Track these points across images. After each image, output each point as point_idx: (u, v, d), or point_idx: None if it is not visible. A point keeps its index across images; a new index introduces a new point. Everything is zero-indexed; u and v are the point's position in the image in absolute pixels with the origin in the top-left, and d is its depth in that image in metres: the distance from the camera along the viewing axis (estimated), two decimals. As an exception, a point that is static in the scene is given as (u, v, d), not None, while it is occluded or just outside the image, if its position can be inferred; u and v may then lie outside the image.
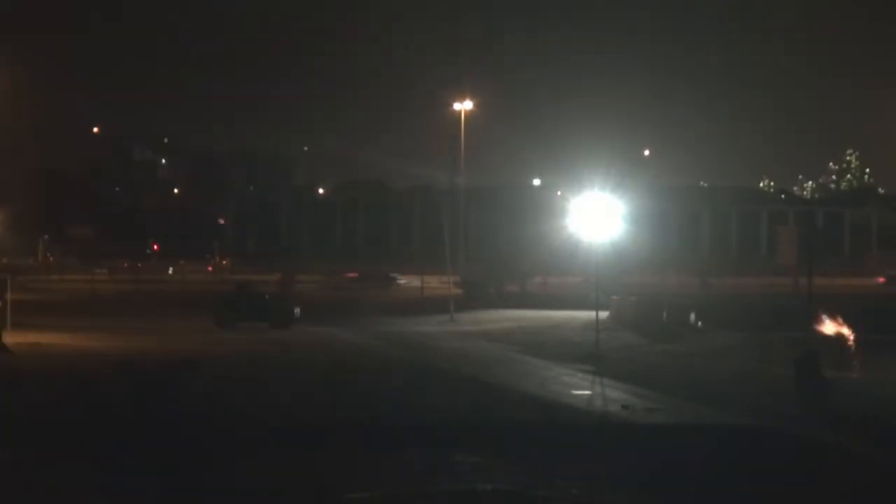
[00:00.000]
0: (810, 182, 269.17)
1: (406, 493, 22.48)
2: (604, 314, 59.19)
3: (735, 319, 62.55)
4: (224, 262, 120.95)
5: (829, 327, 46.18)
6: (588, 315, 55.63)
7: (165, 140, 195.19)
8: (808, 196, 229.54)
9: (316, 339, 55.99)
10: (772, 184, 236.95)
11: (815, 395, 37.46)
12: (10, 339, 48.60)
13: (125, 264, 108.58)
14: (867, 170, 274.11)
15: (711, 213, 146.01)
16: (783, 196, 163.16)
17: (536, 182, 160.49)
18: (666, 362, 48.97)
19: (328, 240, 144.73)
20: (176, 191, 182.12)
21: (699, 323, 62.76)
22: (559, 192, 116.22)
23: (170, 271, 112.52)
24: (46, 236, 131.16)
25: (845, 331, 44.59)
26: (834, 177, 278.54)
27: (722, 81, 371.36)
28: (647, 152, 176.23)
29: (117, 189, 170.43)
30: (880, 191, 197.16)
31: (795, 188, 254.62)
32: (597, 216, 53.09)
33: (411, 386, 39.41)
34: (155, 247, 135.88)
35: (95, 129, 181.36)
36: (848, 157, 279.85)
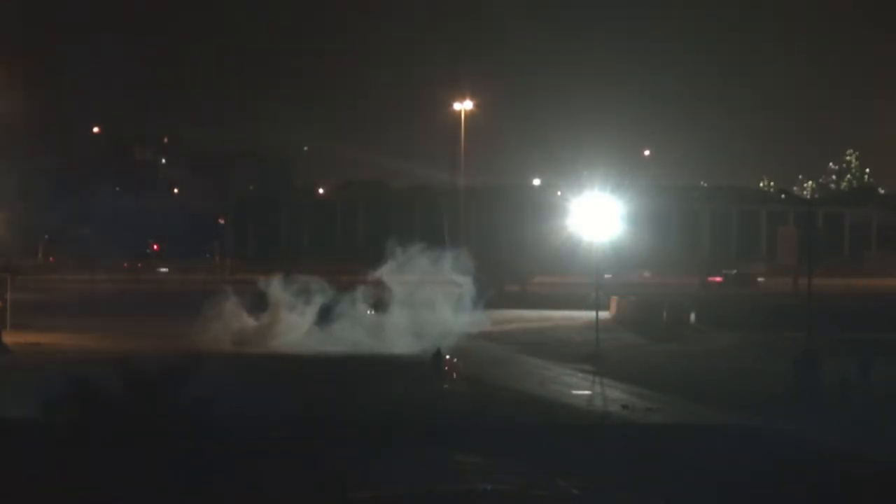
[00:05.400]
0: (810, 182, 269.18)
1: (406, 493, 22.49)
2: (604, 314, 59.19)
3: (734, 319, 62.59)
4: (222, 262, 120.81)
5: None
6: (588, 315, 55.62)
7: (165, 140, 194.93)
8: (808, 196, 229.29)
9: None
10: (772, 184, 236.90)
11: (814, 395, 37.48)
12: (10, 338, 48.61)
13: (125, 264, 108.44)
14: (867, 170, 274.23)
15: (711, 213, 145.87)
16: (783, 196, 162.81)
17: (536, 182, 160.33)
18: (666, 362, 48.97)
19: (328, 240, 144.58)
20: (176, 191, 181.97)
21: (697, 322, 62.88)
22: (559, 192, 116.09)
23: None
24: (46, 236, 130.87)
25: None
26: (834, 177, 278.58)
27: (722, 82, 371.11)
28: (647, 152, 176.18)
29: (117, 189, 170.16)
30: (880, 191, 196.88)
31: (795, 188, 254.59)
32: (597, 216, 53.09)
33: (411, 386, 39.43)
34: (155, 247, 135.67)
35: (95, 129, 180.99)
36: (848, 157, 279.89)
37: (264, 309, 54.69)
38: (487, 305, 70.23)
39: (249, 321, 54.34)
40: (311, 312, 53.84)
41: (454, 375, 42.74)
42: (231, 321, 53.66)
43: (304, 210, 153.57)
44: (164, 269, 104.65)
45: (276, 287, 54.83)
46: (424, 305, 54.50)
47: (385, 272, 55.37)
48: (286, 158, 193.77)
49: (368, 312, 55.29)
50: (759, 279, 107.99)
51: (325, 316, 54.28)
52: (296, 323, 53.71)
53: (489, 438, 28.50)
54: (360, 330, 53.04)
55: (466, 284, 56.19)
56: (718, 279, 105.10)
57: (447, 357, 45.07)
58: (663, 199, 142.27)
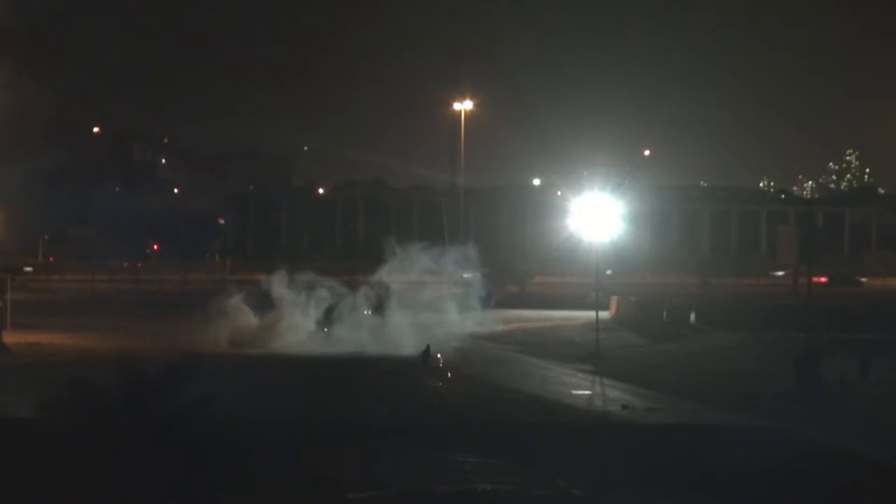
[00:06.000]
0: (810, 182, 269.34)
1: (406, 492, 22.49)
2: (604, 314, 59.20)
3: (735, 319, 62.60)
4: (222, 262, 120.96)
5: None
6: (588, 315, 55.63)
7: (165, 140, 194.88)
8: (808, 196, 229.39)
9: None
10: (772, 184, 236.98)
11: (814, 395, 37.47)
12: (10, 338, 48.60)
13: (125, 264, 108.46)
14: (867, 170, 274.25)
15: (711, 213, 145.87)
16: (783, 196, 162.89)
17: (536, 182, 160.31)
18: (666, 362, 48.99)
19: (328, 240, 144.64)
20: (176, 191, 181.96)
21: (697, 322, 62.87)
22: (559, 192, 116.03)
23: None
24: (46, 236, 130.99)
25: None
26: (834, 177, 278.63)
27: (722, 82, 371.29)
28: (647, 152, 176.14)
29: (117, 189, 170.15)
30: (880, 191, 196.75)
31: (795, 188, 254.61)
32: (597, 216, 53.09)
33: (412, 386, 39.45)
34: (155, 247, 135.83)
35: (96, 129, 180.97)
36: (848, 157, 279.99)
37: (268, 309, 54.58)
38: (487, 305, 70.03)
39: (251, 322, 54.21)
40: (314, 313, 53.65)
41: (448, 374, 42.66)
42: (232, 321, 53.57)
43: (304, 210, 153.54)
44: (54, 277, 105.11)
45: (280, 287, 54.66)
46: (429, 306, 54.31)
47: (388, 272, 55.18)
48: (286, 158, 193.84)
49: (366, 313, 55.07)
50: (862, 279, 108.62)
51: (329, 317, 54.14)
52: (299, 323, 53.55)
53: (489, 438, 28.50)
54: (363, 331, 52.90)
55: (475, 282, 55.94)
56: (823, 279, 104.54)
57: (437, 356, 45.07)
58: (663, 199, 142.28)
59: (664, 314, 63.50)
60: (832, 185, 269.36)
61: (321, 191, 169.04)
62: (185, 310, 55.09)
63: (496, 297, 59.05)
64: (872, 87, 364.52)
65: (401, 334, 51.41)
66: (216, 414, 26.20)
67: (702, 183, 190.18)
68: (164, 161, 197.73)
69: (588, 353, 50.02)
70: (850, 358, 42.09)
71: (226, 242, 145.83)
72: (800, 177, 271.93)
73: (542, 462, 25.72)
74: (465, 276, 56.06)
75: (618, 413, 34.55)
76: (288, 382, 39.48)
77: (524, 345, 55.10)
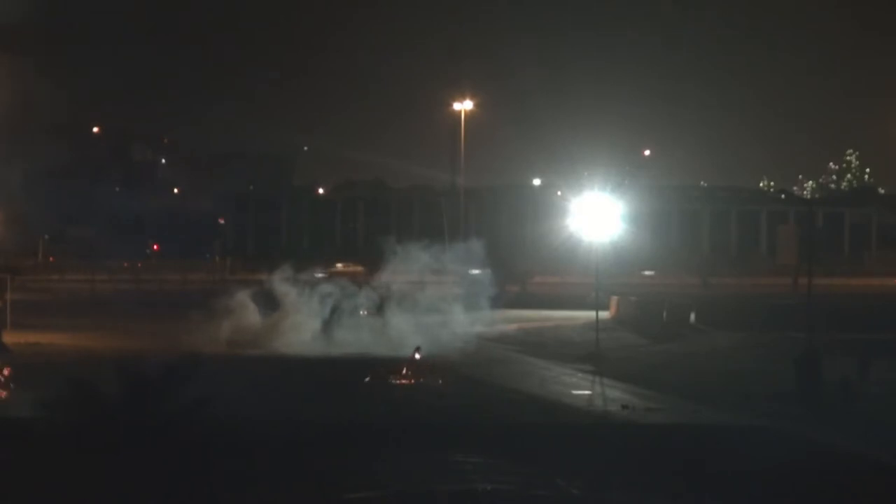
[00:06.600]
0: (810, 182, 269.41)
1: (406, 492, 22.50)
2: (604, 314, 59.18)
3: (735, 319, 62.57)
4: (222, 262, 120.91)
5: None
6: (588, 315, 55.61)
7: (165, 140, 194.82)
8: (808, 196, 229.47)
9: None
10: (772, 184, 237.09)
11: (814, 395, 37.46)
12: (10, 338, 48.60)
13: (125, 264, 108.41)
14: (867, 170, 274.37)
15: (711, 213, 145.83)
16: (783, 196, 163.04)
17: (536, 182, 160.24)
18: (666, 362, 48.98)
19: (328, 240, 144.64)
20: (176, 191, 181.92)
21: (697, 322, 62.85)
22: (559, 192, 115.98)
23: None
24: (46, 236, 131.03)
25: None
26: (834, 177, 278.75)
27: (722, 82, 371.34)
28: (647, 152, 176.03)
29: (117, 189, 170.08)
30: (880, 191, 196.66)
31: (795, 188, 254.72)
32: (597, 216, 53.07)
33: (412, 386, 39.44)
34: (155, 247, 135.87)
35: (95, 129, 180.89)
36: (848, 157, 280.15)
37: (271, 308, 54.38)
38: (497, 304, 69.67)
39: (253, 321, 54.03)
40: (319, 312, 53.39)
41: (435, 376, 42.23)
42: (234, 320, 53.44)
43: (304, 210, 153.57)
44: None
45: (284, 286, 54.43)
46: (434, 306, 54.06)
47: (391, 272, 54.92)
48: (286, 158, 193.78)
49: (362, 313, 54.77)
50: None
51: (332, 317, 53.87)
52: (301, 323, 53.33)
53: (489, 438, 28.50)
54: (365, 331, 52.75)
55: (484, 280, 55.62)
56: None
57: (432, 364, 44.63)
58: (663, 199, 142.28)
59: (664, 314, 63.47)
60: (832, 185, 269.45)
61: (321, 191, 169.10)
62: (185, 310, 55.03)
63: (505, 296, 58.89)
64: (872, 87, 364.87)
65: (404, 335, 51.24)
66: (216, 414, 26.22)
67: (702, 183, 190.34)
68: (164, 161, 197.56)
69: (588, 353, 49.98)
70: (850, 358, 42.02)
71: (226, 242, 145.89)
72: (800, 177, 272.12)
73: (542, 462, 25.73)
74: (473, 273, 55.75)
75: (618, 413, 34.55)
76: (288, 382, 39.46)
77: (525, 345, 55.06)
